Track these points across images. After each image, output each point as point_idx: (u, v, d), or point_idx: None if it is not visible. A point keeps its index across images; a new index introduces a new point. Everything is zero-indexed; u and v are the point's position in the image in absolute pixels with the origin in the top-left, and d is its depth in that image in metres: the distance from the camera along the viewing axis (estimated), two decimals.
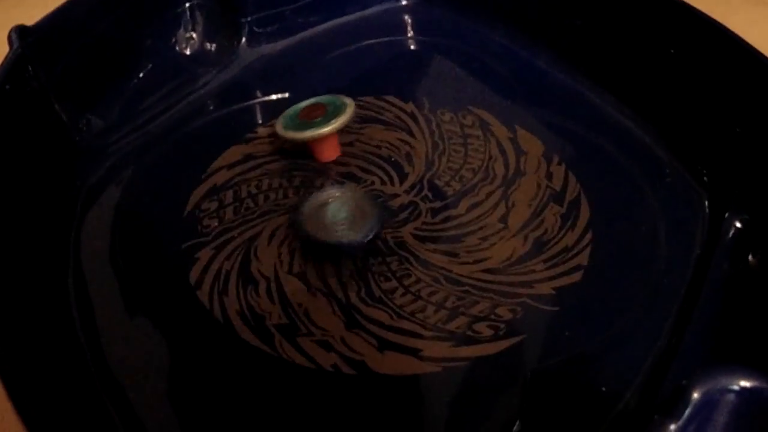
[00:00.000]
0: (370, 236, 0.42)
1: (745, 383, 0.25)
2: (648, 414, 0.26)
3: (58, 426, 0.30)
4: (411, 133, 0.49)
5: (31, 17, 0.46)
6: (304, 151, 0.48)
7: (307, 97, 0.50)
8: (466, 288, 0.39)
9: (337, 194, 0.44)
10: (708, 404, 0.25)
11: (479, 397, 0.35)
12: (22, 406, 0.29)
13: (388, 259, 0.41)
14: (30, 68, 0.44)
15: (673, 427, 0.25)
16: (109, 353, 0.37)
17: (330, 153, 0.47)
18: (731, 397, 0.25)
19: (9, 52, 0.43)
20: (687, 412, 0.25)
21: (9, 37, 0.43)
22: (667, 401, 0.25)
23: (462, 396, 0.35)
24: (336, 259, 0.41)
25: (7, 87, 0.42)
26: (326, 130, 0.45)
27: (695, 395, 0.25)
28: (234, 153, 0.48)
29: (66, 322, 0.39)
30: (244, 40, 0.55)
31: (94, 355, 0.37)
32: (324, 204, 0.44)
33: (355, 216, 0.43)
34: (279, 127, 0.47)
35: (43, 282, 0.40)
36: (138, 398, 0.35)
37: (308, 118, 0.46)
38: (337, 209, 0.43)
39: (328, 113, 0.46)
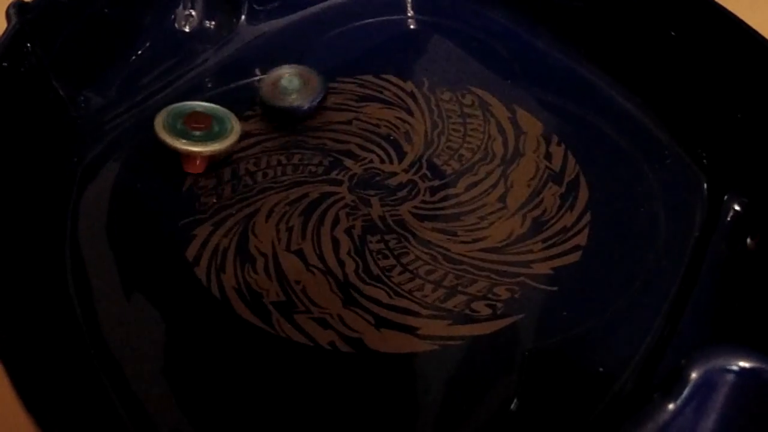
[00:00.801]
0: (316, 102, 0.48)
1: (743, 363, 0.25)
2: (646, 394, 0.26)
3: (55, 403, 0.30)
4: (410, 112, 0.49)
5: None
6: (304, 130, 0.48)
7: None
8: (464, 267, 0.39)
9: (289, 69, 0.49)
10: (706, 384, 0.25)
11: (476, 375, 0.35)
12: (19, 383, 0.29)
13: (386, 237, 0.41)
14: (28, 44, 0.44)
15: (671, 406, 0.25)
16: (106, 330, 0.37)
17: (193, 168, 0.45)
18: (729, 377, 0.25)
19: (7, 28, 0.42)
20: (685, 392, 0.25)
21: (7, 13, 0.43)
22: (665, 381, 0.25)
23: (459, 374, 0.35)
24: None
25: (5, 63, 0.41)
26: (197, 149, 0.44)
27: (693, 375, 0.25)
28: None
29: (63, 298, 0.38)
30: (243, 17, 0.55)
31: (91, 331, 0.37)
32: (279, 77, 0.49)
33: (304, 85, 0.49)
34: (158, 121, 0.45)
35: (40, 258, 0.40)
36: (135, 375, 0.35)
37: (190, 126, 0.45)
38: (289, 80, 0.49)
39: (212, 131, 0.45)
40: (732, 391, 0.25)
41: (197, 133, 0.44)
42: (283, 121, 0.48)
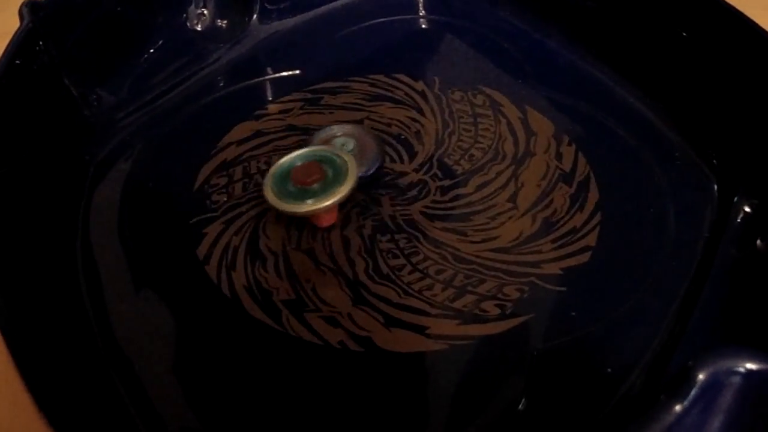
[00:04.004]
0: (373, 170, 0.44)
1: (751, 365, 0.25)
2: (653, 395, 0.26)
3: (66, 399, 0.31)
4: (421, 112, 0.49)
5: None
6: (313, 127, 0.48)
7: (317, 74, 0.51)
8: (474, 267, 0.40)
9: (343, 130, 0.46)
10: (714, 386, 0.25)
11: (485, 375, 0.35)
12: (30, 379, 0.29)
13: (397, 237, 0.41)
14: (41, 43, 0.44)
15: (678, 408, 0.25)
16: (117, 327, 0.38)
17: (328, 220, 0.42)
18: (737, 378, 0.25)
19: (20, 27, 0.43)
20: (692, 393, 0.25)
21: (20, 12, 0.43)
22: (673, 382, 0.25)
23: (468, 374, 0.35)
24: None
25: (18, 62, 0.42)
26: (327, 203, 0.40)
27: (701, 376, 0.25)
28: (244, 129, 0.48)
29: (74, 295, 0.39)
30: (255, 16, 0.55)
31: (102, 329, 0.37)
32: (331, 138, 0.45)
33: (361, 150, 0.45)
34: (269, 193, 0.41)
35: (52, 255, 0.40)
36: (145, 373, 0.36)
37: (304, 183, 0.41)
38: (343, 143, 0.45)
39: (328, 177, 0.41)
40: (739, 393, 0.25)
41: (315, 186, 0.41)
42: None
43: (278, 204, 0.40)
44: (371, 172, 0.44)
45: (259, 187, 0.44)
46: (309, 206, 0.40)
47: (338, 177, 0.41)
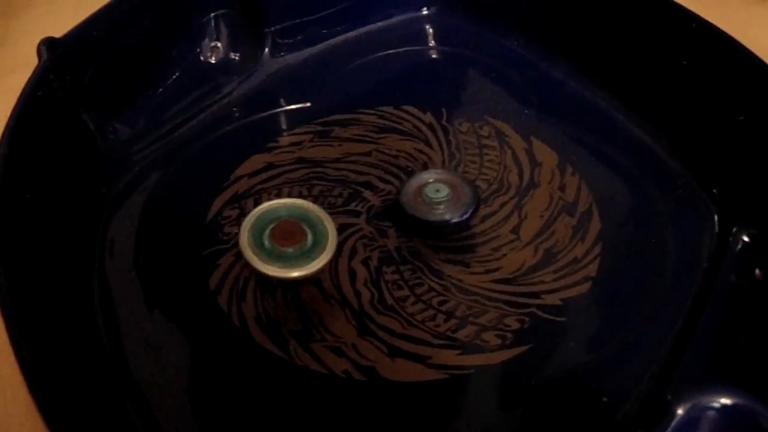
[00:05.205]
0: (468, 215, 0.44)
1: (726, 400, 0.26)
2: (647, 425, 0.27)
3: (80, 425, 0.32)
4: (428, 144, 0.50)
5: (59, 24, 0.47)
6: (323, 160, 0.49)
7: (327, 107, 0.52)
8: (476, 297, 0.40)
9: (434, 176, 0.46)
10: (691, 420, 0.26)
11: (485, 404, 0.36)
12: (46, 408, 0.30)
13: (401, 268, 0.42)
14: (58, 79, 0.45)
15: None
16: (131, 356, 0.38)
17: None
18: (712, 413, 0.26)
19: (38, 65, 0.44)
20: (671, 426, 0.25)
21: (38, 50, 0.44)
22: (652, 416, 0.26)
23: (468, 403, 0.36)
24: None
25: (37, 95, 0.43)
26: (293, 274, 0.40)
27: (679, 411, 0.26)
28: (256, 161, 0.49)
29: (90, 324, 0.40)
30: (267, 50, 0.56)
31: (115, 357, 0.38)
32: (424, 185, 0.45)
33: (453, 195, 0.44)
34: (243, 233, 0.41)
35: (69, 285, 0.41)
36: (157, 400, 0.37)
37: (282, 244, 0.41)
38: (435, 189, 0.44)
39: (305, 245, 0.41)
40: (715, 427, 0.26)
41: (289, 250, 0.41)
42: (426, 236, 0.44)
43: (247, 252, 0.40)
44: (468, 215, 0.44)
45: None
46: (274, 270, 0.40)
47: (315, 247, 0.41)
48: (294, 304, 0.41)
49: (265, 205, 0.43)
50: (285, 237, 0.41)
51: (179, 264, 0.43)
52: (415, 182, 0.45)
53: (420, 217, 0.43)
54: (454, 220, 0.43)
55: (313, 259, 0.40)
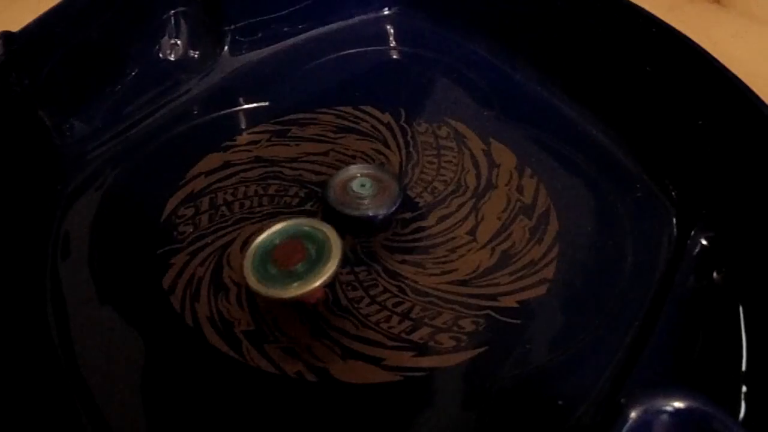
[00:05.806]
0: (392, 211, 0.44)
1: (679, 404, 0.26)
2: (600, 428, 0.27)
3: (28, 425, 0.31)
4: (386, 144, 0.50)
5: (18, 21, 0.46)
6: (280, 159, 0.49)
7: (286, 106, 0.52)
8: (431, 299, 0.40)
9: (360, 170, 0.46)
10: (644, 424, 0.26)
11: (438, 407, 0.36)
12: None
13: (356, 269, 0.42)
14: (14, 74, 0.44)
15: None
16: (82, 355, 0.38)
17: (315, 297, 0.40)
18: (664, 417, 0.26)
19: None
20: (622, 430, 0.25)
21: None
22: (604, 419, 0.26)
23: (421, 406, 0.36)
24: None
25: None
26: (314, 285, 0.38)
27: (632, 414, 0.26)
28: (212, 160, 0.49)
29: (41, 323, 0.39)
30: (226, 48, 0.56)
31: (66, 355, 0.38)
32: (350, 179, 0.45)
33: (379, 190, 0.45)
34: (251, 278, 0.39)
35: (21, 283, 0.41)
36: (107, 399, 0.36)
37: (286, 265, 0.39)
38: (361, 184, 0.45)
39: (311, 255, 0.39)
40: (667, 431, 0.26)
41: (299, 267, 0.39)
42: (352, 230, 0.44)
43: (262, 289, 0.38)
44: (390, 213, 0.44)
45: (225, 218, 0.45)
46: (295, 290, 0.38)
47: (322, 254, 0.39)
48: (248, 305, 0.40)
49: (257, 241, 0.41)
50: (288, 257, 0.39)
51: (133, 262, 0.43)
52: (340, 177, 0.45)
53: (346, 213, 0.44)
54: (380, 215, 0.44)
55: (326, 263, 0.39)
